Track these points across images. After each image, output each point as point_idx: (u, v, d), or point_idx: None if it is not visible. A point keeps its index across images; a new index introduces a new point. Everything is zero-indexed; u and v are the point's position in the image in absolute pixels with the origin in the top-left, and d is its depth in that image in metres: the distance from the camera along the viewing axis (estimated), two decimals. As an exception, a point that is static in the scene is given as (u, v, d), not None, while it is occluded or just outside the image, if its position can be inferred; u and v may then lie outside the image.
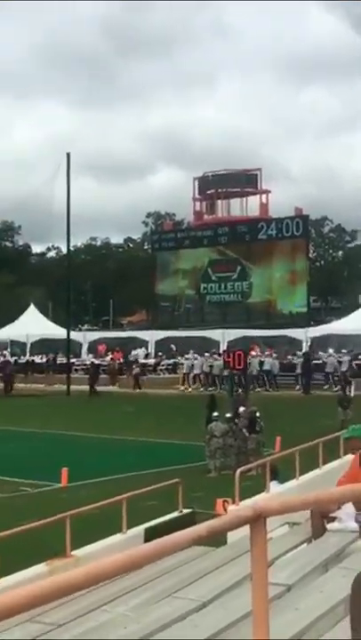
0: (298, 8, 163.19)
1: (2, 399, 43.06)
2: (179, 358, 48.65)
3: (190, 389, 44.48)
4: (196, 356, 46.28)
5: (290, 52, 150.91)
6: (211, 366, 43.71)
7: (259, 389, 40.55)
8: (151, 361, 50.55)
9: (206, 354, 45.52)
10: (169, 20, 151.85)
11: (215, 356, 44.31)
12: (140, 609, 6.70)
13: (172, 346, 51.28)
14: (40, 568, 9.57)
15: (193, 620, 5.83)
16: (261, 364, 43.09)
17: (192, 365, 45.73)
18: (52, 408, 38.17)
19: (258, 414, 23.26)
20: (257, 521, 2.67)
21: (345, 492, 3.33)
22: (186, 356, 47.24)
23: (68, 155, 46.12)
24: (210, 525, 2.54)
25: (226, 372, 34.04)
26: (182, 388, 45.00)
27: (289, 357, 45.20)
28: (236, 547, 8.12)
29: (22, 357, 54.09)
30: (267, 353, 44.57)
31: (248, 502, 11.16)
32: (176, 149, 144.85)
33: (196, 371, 45.35)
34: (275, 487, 12.94)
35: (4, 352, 56.38)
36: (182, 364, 47.09)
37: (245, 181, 63.60)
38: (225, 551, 8.66)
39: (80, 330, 67.23)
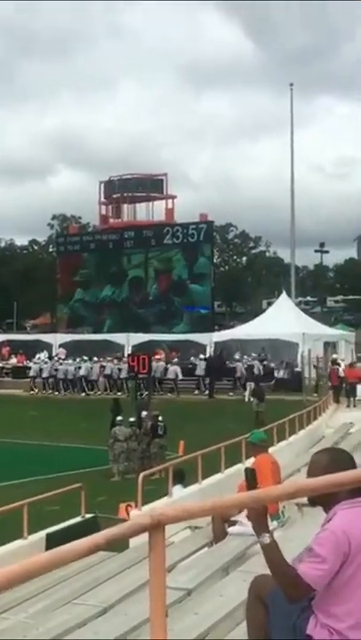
0: (196, 13, 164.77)
1: None
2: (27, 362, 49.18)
3: (38, 393, 45.06)
4: (45, 359, 47.45)
5: (189, 57, 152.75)
6: (119, 370, 43.69)
7: (162, 394, 40.70)
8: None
9: (108, 358, 45.67)
10: (67, 21, 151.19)
11: (115, 360, 44.64)
12: (40, 616, 6.64)
13: (61, 349, 51.22)
14: None
15: (94, 626, 5.81)
16: (165, 368, 43.30)
17: (40, 369, 46.28)
18: None
19: (160, 418, 23.35)
20: (155, 528, 2.69)
21: (242, 499, 3.38)
22: (34, 360, 48.24)
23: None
24: (108, 534, 2.55)
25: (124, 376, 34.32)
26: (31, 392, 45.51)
27: (192, 359, 45.42)
28: (138, 550, 8.14)
29: None
30: (174, 360, 44.81)
31: (147, 508, 11.20)
32: (77, 152, 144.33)
33: (45, 374, 45.95)
34: (178, 491, 13.03)
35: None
36: (30, 368, 47.42)
37: (151, 186, 63.79)
38: (127, 555, 8.66)
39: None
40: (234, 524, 9.14)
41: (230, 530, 9.18)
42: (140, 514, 10.06)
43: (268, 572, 3.74)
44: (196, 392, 42.56)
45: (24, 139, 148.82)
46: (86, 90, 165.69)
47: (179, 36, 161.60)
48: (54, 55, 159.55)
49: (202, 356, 44.66)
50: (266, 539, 3.67)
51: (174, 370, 43.16)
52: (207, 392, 41.85)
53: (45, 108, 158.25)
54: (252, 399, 33.88)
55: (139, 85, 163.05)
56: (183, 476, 13.69)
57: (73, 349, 50.25)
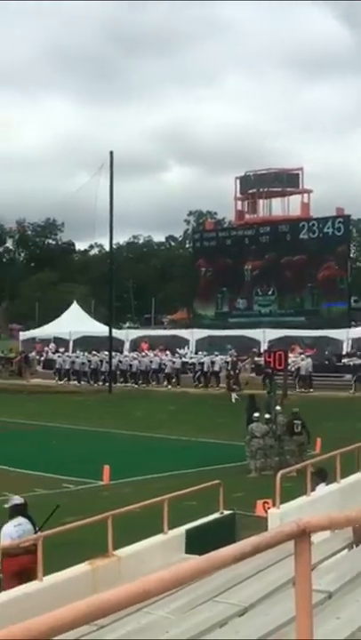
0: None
1: (48, 395, 43.40)
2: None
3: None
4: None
5: (294, 48, 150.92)
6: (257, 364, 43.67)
7: (299, 390, 40.42)
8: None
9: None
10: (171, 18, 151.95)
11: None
12: (180, 612, 6.73)
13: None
14: (83, 567, 9.66)
15: (234, 625, 5.85)
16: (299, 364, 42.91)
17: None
18: (95, 406, 38.49)
19: (299, 415, 23.18)
20: (301, 536, 2.70)
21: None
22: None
23: (111, 153, 46.25)
24: (254, 542, 2.58)
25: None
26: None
27: (327, 355, 44.78)
28: (277, 549, 8.11)
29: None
30: (307, 353, 44.41)
31: (285, 507, 11.15)
32: (209, 147, 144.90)
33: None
34: (321, 489, 12.88)
35: (46, 349, 56.82)
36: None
37: (287, 181, 63.46)
38: (266, 553, 8.65)
39: (121, 328, 67.51)
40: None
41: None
42: (285, 523, 10.06)
43: None
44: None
45: (148, 134, 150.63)
46: (192, 86, 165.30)
47: (280, 28, 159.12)
48: (160, 53, 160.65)
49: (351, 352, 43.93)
50: None
51: (307, 364, 42.70)
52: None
53: (163, 104, 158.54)
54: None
55: (250, 80, 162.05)
56: (325, 475, 13.49)
57: (207, 345, 50.62)
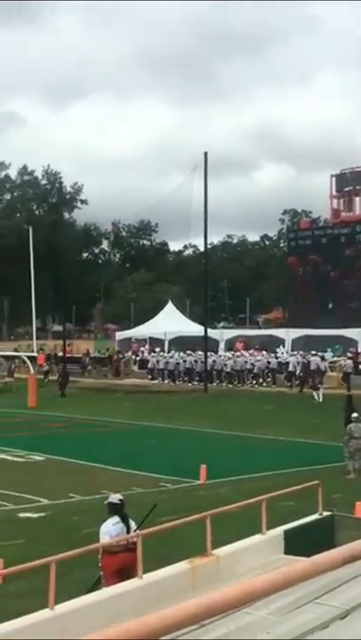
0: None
1: (143, 395, 43.81)
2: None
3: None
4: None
5: None
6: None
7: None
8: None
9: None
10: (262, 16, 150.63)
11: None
12: (281, 614, 6.66)
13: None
14: (182, 566, 9.68)
15: (336, 629, 5.76)
16: None
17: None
18: (191, 405, 38.65)
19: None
20: None
21: None
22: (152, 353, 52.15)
23: (206, 154, 46.33)
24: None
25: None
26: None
27: None
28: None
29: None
30: None
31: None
32: (302, 146, 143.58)
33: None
34: None
35: (142, 349, 57.35)
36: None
37: (384, 178, 62.47)
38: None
39: (216, 327, 67.56)
40: None
41: None
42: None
43: None
44: None
45: (240, 134, 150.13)
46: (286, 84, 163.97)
47: None
48: (251, 52, 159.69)
49: None
50: None
51: None
52: None
53: (255, 102, 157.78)
54: None
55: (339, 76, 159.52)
56: None
57: (304, 344, 50.15)
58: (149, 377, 50.38)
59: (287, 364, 46.49)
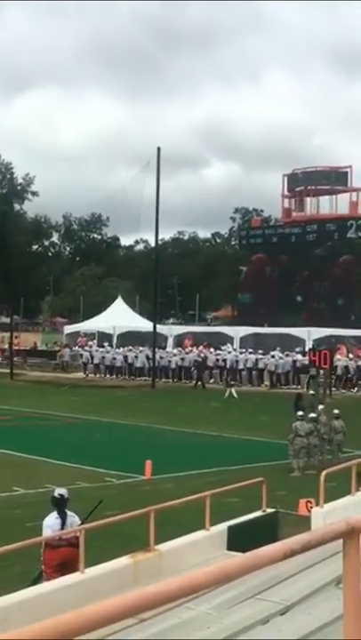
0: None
1: (90, 389, 43.62)
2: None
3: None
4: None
5: (335, 44, 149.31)
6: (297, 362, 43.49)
7: (343, 390, 40.25)
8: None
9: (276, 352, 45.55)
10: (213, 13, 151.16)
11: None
12: (222, 609, 6.70)
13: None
14: (124, 560, 9.67)
15: (276, 624, 5.80)
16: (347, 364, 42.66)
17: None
18: (138, 401, 38.61)
19: (339, 415, 23.06)
20: (350, 535, 2.66)
21: None
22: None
23: (159, 149, 46.26)
24: (303, 540, 2.54)
25: (313, 372, 34.08)
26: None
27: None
28: (320, 548, 8.04)
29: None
30: (350, 356, 44.06)
31: (329, 506, 11.06)
32: (231, 143, 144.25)
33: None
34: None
35: (90, 343, 57.05)
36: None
37: (335, 179, 62.92)
38: (307, 552, 8.58)
39: (165, 323, 67.53)
40: None
41: None
42: (334, 521, 9.98)
43: None
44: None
45: (189, 130, 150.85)
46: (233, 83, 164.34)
47: (324, 23, 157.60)
48: (201, 49, 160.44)
49: None
50: None
51: (350, 364, 42.45)
52: None
53: (203, 100, 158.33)
54: None
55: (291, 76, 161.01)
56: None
57: (252, 342, 50.36)
58: (87, 372, 50.21)
59: (237, 362, 46.60)
